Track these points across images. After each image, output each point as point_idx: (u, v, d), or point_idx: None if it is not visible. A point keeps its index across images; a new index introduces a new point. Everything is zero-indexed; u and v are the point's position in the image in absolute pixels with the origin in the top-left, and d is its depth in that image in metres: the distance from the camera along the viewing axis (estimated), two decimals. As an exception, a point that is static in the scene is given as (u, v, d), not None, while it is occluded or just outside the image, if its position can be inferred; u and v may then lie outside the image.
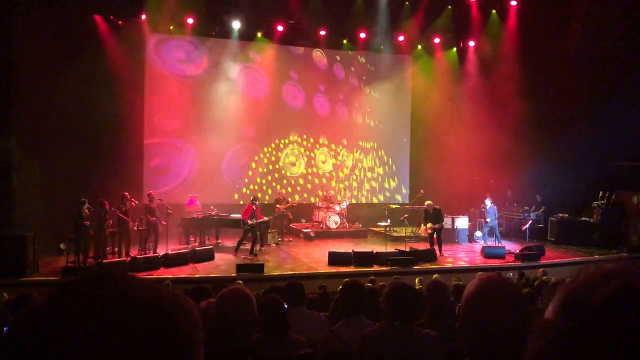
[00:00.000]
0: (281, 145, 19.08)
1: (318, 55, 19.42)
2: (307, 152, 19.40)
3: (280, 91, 18.89)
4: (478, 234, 16.85)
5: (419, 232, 15.91)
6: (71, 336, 0.67)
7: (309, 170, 19.37)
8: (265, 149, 18.83)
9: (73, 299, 0.71)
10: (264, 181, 18.74)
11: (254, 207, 13.63)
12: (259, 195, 17.10)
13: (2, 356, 0.69)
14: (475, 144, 17.72)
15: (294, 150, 19.26)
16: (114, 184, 14.15)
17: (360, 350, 3.12)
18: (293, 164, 19.23)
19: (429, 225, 14.53)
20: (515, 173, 16.90)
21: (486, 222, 15.89)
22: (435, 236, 14.39)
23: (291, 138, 19.17)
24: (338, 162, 19.71)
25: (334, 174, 19.70)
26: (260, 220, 13.93)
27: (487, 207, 15.61)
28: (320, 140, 19.56)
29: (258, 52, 18.41)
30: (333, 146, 19.68)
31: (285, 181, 18.94)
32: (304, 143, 19.34)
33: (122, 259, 12.41)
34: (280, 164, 19.05)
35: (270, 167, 18.87)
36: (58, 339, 0.67)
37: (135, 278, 0.78)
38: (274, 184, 18.73)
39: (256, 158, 18.66)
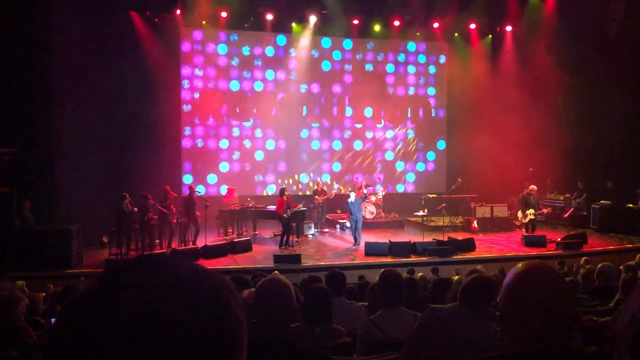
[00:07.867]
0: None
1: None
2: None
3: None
4: (517, 222, 16.59)
5: (520, 219, 14.87)
6: (121, 317, 0.67)
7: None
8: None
9: (121, 281, 0.72)
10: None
11: (285, 199, 13.60)
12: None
13: (54, 342, 0.70)
14: (515, 131, 17.36)
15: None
16: (154, 178, 14.41)
17: (424, 321, 3.19)
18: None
19: (530, 211, 14.29)
20: (556, 160, 16.48)
21: (350, 216, 14.19)
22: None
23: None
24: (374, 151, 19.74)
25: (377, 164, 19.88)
26: (296, 208, 13.86)
27: (352, 200, 13.89)
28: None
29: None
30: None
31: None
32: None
33: (163, 250, 12.65)
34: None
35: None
36: (109, 321, 0.67)
37: (180, 261, 0.79)
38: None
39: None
